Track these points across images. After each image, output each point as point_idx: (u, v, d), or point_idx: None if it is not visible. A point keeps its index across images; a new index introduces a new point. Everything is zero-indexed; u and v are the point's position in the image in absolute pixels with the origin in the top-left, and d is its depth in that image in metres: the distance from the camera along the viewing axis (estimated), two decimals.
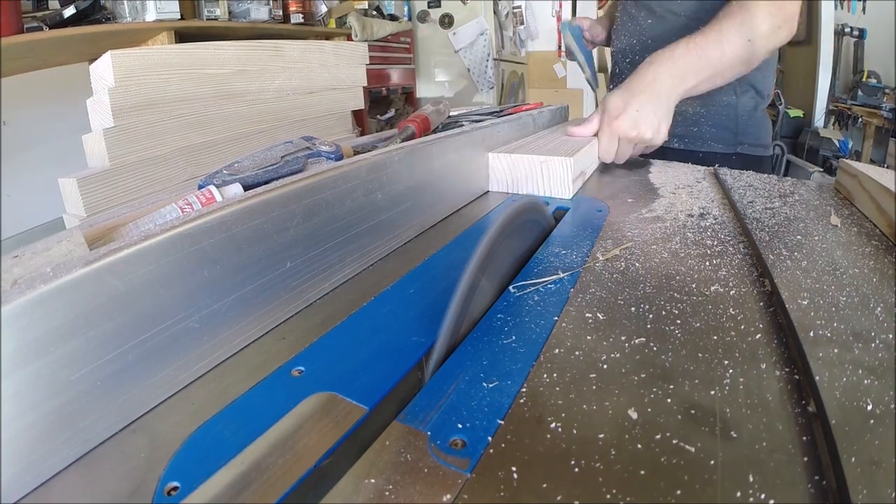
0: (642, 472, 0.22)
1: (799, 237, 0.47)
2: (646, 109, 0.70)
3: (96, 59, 0.54)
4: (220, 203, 0.32)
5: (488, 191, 0.67)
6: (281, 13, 2.34)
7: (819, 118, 2.90)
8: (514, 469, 0.23)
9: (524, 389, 0.28)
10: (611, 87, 1.17)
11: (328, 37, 2.59)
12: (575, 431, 0.25)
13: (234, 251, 0.31)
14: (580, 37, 0.92)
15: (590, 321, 0.34)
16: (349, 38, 2.70)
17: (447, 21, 3.41)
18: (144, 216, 0.39)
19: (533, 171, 0.64)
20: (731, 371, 0.29)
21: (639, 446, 0.24)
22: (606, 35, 0.99)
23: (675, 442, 0.24)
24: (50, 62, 1.79)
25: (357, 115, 2.37)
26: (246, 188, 0.43)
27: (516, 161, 0.65)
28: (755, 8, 0.69)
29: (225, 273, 0.31)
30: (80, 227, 0.37)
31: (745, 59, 0.72)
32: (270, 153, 0.49)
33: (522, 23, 3.89)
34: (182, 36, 1.86)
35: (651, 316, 0.35)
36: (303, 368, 0.30)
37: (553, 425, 0.25)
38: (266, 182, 0.42)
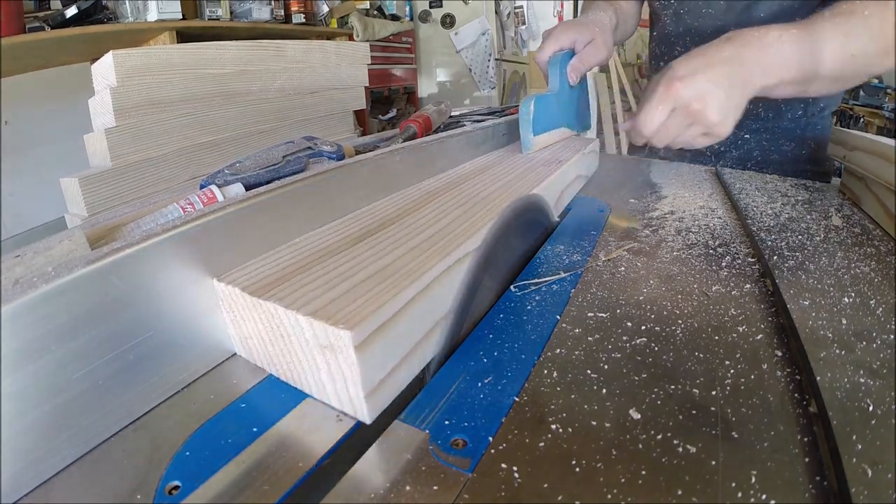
0: (643, 472, 0.22)
1: (801, 237, 0.47)
2: (720, 83, 0.52)
3: (98, 59, 0.54)
4: (222, 202, 0.32)
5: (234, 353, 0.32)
6: (282, 13, 2.34)
7: None
8: (515, 469, 0.23)
9: (525, 389, 0.28)
10: (648, 76, 1.02)
11: (330, 37, 2.59)
12: (576, 431, 0.25)
13: (235, 251, 0.31)
14: (564, 67, 0.68)
15: (591, 321, 0.34)
16: (351, 38, 2.70)
17: (449, 21, 3.41)
18: (146, 216, 0.39)
19: (291, 348, 0.27)
20: (732, 371, 0.29)
21: (640, 446, 0.24)
22: (605, 55, 0.69)
23: (676, 442, 0.24)
24: (52, 62, 1.79)
25: (359, 114, 2.37)
26: (248, 188, 0.43)
27: (260, 314, 0.28)
28: (870, 17, 0.53)
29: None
30: (81, 226, 0.37)
31: (844, 75, 0.56)
32: (272, 153, 0.49)
33: (524, 23, 3.89)
34: (184, 36, 1.86)
35: (652, 316, 0.35)
36: None
37: (554, 425, 0.25)
38: (268, 182, 0.42)
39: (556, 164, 0.55)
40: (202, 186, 0.43)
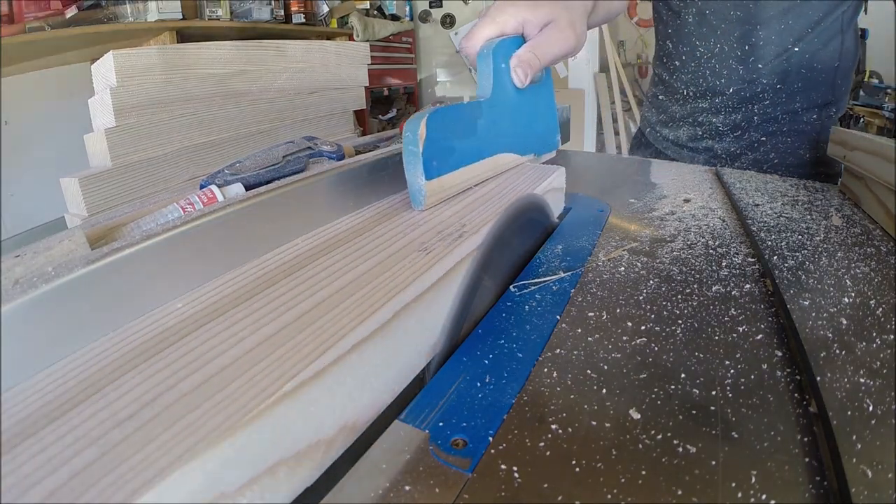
0: (643, 472, 0.22)
1: (801, 237, 0.47)
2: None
3: (98, 59, 0.54)
4: (222, 203, 0.33)
5: None
6: (282, 13, 2.35)
7: None
8: (515, 469, 0.23)
9: (525, 389, 0.28)
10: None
11: (330, 37, 2.60)
12: (576, 431, 0.25)
13: (235, 251, 0.32)
14: (502, 60, 0.45)
15: (591, 321, 0.34)
16: (351, 37, 2.70)
17: (449, 21, 3.41)
18: (146, 216, 0.39)
19: None
20: (732, 371, 0.29)
21: (640, 446, 0.24)
22: (573, 43, 0.48)
23: (676, 442, 0.24)
24: (52, 62, 1.79)
25: (359, 115, 2.38)
26: (248, 188, 0.44)
27: None
28: None
29: (227, 272, 0.31)
30: (81, 226, 0.37)
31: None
32: (272, 153, 0.49)
33: None
34: (184, 36, 1.86)
35: (652, 316, 0.35)
36: None
37: (554, 425, 0.25)
38: (268, 182, 0.43)
39: (452, 244, 0.33)
40: (202, 186, 0.43)
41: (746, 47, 0.79)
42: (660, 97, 0.95)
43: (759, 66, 0.79)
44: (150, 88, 0.56)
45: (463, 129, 0.42)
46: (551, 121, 0.54)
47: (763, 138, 0.84)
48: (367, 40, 2.76)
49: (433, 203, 0.39)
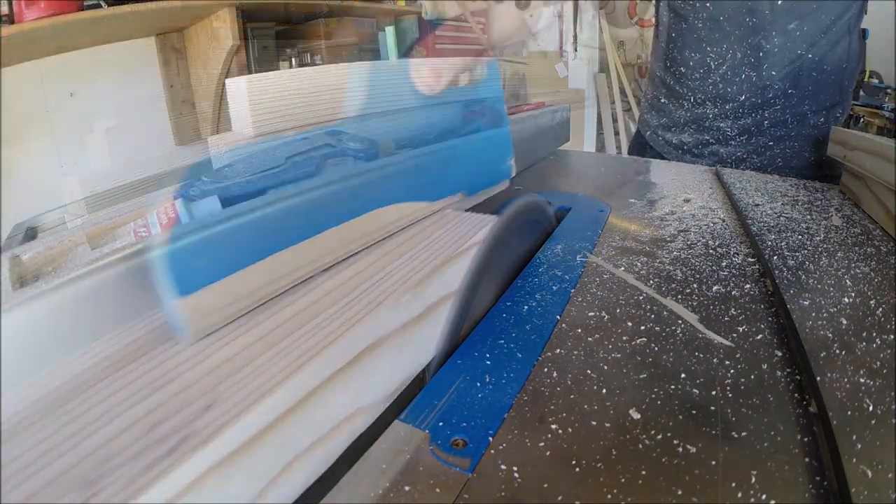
0: (643, 472, 0.22)
1: (801, 237, 0.47)
2: None
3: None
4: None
5: None
6: None
7: None
8: (515, 469, 0.23)
9: (525, 389, 0.28)
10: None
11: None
12: (576, 431, 0.25)
13: None
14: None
15: (591, 321, 0.34)
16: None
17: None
18: (146, 215, 0.39)
19: None
20: (732, 371, 0.29)
21: (640, 446, 0.24)
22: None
23: (676, 442, 0.24)
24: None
25: None
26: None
27: None
28: None
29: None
30: (81, 226, 0.37)
31: None
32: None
33: None
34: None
35: (652, 316, 0.35)
36: None
37: (554, 425, 0.25)
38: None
39: (145, 472, 0.17)
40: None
41: (760, 54, 0.79)
42: (662, 100, 0.94)
43: (773, 72, 0.79)
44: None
45: (282, 180, 0.25)
46: (499, 140, 0.37)
47: (771, 143, 0.84)
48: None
49: (217, 324, 0.23)
